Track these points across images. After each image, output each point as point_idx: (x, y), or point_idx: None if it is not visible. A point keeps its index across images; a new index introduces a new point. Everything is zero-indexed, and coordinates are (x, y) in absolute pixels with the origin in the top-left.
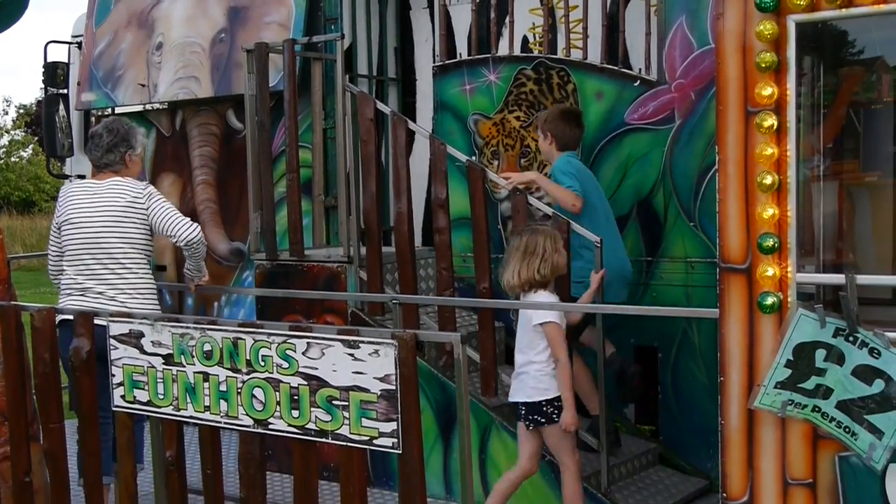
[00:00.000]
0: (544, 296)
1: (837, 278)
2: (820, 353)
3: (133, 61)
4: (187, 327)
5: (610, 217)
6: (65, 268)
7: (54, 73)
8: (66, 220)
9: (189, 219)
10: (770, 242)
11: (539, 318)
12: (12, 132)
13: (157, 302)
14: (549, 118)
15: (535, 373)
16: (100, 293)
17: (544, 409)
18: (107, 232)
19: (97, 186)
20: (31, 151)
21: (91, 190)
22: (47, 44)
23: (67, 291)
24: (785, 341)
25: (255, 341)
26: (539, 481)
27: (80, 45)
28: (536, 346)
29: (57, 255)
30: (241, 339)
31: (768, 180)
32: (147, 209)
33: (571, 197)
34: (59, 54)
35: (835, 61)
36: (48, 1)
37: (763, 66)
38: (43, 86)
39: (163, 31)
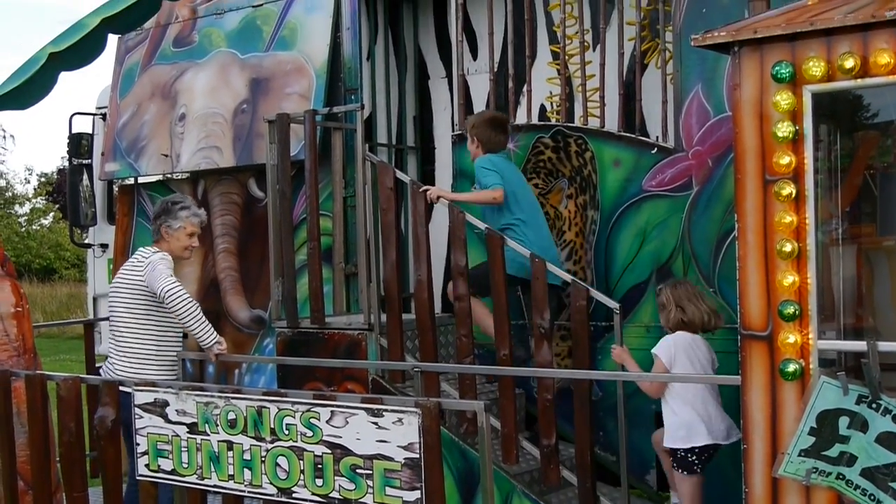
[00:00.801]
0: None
1: (859, 345)
2: (843, 421)
3: (156, 132)
4: (212, 396)
5: (534, 204)
6: None
7: (79, 144)
8: None
9: (175, 281)
10: (791, 310)
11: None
12: (34, 200)
13: (150, 368)
14: (476, 124)
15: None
16: (107, 357)
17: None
18: (113, 300)
19: (130, 258)
20: (51, 219)
21: (126, 261)
22: (72, 115)
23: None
24: (808, 409)
25: (280, 410)
26: None
27: (104, 116)
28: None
29: None
30: (265, 407)
31: (788, 248)
32: (144, 276)
33: (489, 195)
34: (83, 125)
35: (851, 126)
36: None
37: (780, 135)
38: (67, 156)
39: (186, 103)
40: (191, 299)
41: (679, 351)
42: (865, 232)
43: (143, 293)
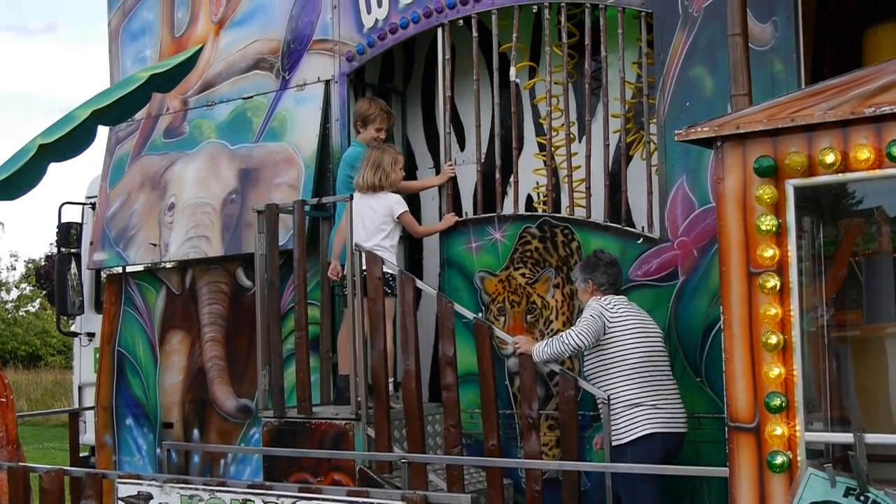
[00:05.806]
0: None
1: (846, 437)
2: None
3: (145, 221)
4: (196, 489)
5: None
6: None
7: (68, 233)
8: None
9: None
10: (777, 402)
11: (399, 210)
12: (20, 287)
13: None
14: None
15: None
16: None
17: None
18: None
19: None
20: (38, 305)
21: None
22: (62, 205)
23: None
24: (796, 501)
25: (265, 503)
26: None
27: (93, 205)
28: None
29: None
30: (249, 500)
31: (773, 340)
32: None
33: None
34: (72, 215)
35: (835, 215)
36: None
37: (764, 228)
38: (56, 245)
39: (175, 193)
40: (571, 333)
41: None
42: (852, 319)
43: None
